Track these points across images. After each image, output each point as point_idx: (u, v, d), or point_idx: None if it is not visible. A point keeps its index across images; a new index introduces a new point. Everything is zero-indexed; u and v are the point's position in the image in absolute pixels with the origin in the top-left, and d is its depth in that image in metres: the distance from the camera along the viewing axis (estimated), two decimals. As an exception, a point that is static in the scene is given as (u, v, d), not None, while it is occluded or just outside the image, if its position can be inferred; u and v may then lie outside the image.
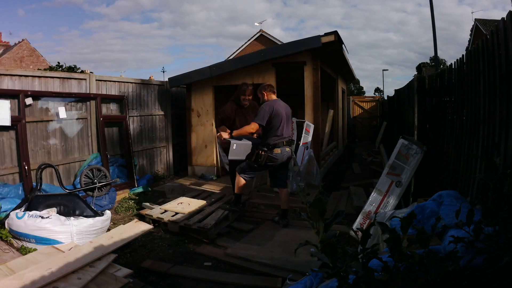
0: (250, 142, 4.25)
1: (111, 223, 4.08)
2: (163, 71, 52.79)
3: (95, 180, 4.90)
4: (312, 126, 5.85)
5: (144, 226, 3.63)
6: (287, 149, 4.26)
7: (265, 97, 4.30)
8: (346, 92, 12.97)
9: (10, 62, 22.62)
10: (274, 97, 4.33)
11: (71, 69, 17.28)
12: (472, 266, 1.35)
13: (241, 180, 4.36)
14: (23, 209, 3.68)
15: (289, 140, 4.35)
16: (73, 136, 5.34)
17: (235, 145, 4.11)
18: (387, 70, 75.21)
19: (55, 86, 5.07)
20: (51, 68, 17.29)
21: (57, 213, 3.70)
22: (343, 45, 6.51)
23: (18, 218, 3.48)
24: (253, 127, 4.11)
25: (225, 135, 4.24)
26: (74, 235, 3.48)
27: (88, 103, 5.54)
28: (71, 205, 3.93)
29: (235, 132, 4.22)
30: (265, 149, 4.14)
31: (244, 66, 6.36)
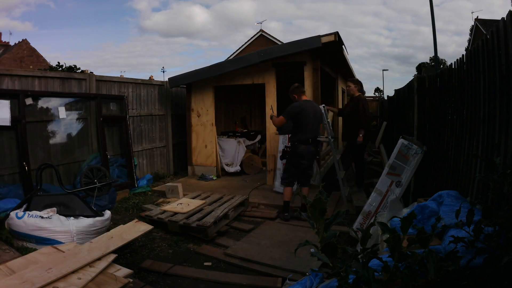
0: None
1: (111, 223, 4.07)
2: (163, 71, 52.81)
3: (95, 180, 4.89)
4: (312, 126, 5.85)
5: (144, 226, 3.62)
6: (312, 147, 4.59)
7: (296, 99, 4.71)
8: (346, 92, 12.94)
9: (10, 62, 22.58)
10: (304, 97, 4.73)
11: (71, 69, 17.27)
12: (472, 266, 1.35)
13: (285, 189, 4.72)
14: (23, 209, 3.68)
15: (314, 137, 4.61)
16: (73, 136, 5.33)
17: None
18: (387, 70, 76.26)
19: (55, 86, 5.07)
20: (51, 68, 17.29)
21: (57, 213, 3.69)
22: (343, 45, 6.51)
23: (18, 218, 3.48)
24: (280, 119, 4.60)
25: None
26: (74, 235, 3.48)
27: (88, 103, 5.54)
28: (71, 205, 3.93)
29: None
30: (290, 145, 4.76)
31: (244, 66, 6.36)
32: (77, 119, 5.40)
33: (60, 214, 3.66)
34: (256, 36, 19.96)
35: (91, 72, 8.04)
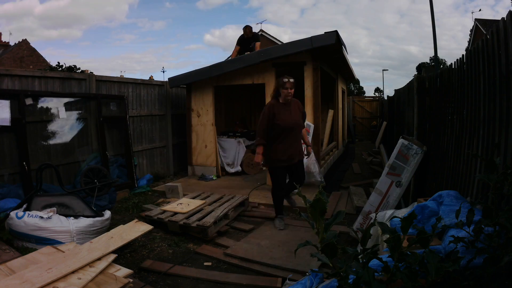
0: None
1: (111, 223, 4.07)
2: (163, 71, 52.85)
3: (95, 180, 4.89)
4: (312, 126, 5.85)
5: (144, 226, 3.62)
6: None
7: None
8: (346, 92, 12.96)
9: (10, 62, 22.56)
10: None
11: (71, 69, 17.29)
12: (472, 266, 1.35)
13: None
14: (23, 209, 3.68)
15: None
16: (73, 136, 5.33)
17: None
18: (387, 70, 76.85)
19: (55, 86, 5.07)
20: (51, 68, 17.29)
21: (57, 213, 3.69)
22: (343, 45, 6.51)
23: (18, 218, 3.47)
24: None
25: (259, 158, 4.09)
26: (74, 235, 3.48)
27: (88, 103, 5.54)
28: (71, 205, 3.93)
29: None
30: None
31: (244, 66, 6.36)
32: (77, 119, 5.40)
33: (60, 214, 3.66)
34: (256, 36, 19.91)
35: (91, 72, 8.05)
